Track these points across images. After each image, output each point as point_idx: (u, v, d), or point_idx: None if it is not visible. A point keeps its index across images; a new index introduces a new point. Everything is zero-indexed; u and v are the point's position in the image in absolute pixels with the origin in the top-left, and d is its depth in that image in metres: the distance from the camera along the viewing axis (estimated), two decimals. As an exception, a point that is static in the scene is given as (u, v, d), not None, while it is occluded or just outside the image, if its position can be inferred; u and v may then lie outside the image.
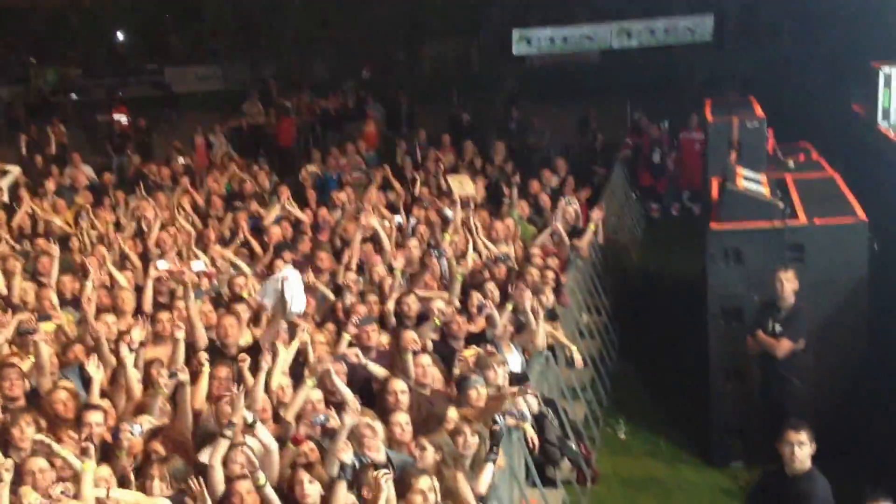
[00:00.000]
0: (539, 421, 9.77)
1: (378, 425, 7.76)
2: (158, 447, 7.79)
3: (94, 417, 7.88)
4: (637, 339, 14.57)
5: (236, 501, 6.94)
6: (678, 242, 17.57)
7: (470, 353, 9.44)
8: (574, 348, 11.16)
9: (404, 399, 8.36)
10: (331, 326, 10.24)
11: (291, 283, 9.13)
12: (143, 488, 7.33)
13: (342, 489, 6.92)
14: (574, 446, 10.71)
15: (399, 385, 8.41)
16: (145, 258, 12.44)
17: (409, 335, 9.43)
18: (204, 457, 7.75)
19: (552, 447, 9.87)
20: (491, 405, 8.53)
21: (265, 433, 7.66)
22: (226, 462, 7.35)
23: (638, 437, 12.37)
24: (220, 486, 7.31)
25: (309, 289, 10.43)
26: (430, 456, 7.69)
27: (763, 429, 10.13)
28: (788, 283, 10.23)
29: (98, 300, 10.39)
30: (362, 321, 9.77)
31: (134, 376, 8.68)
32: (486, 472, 7.87)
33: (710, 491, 11.00)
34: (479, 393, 8.73)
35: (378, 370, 9.08)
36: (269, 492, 7.05)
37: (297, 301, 9.09)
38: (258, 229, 14.12)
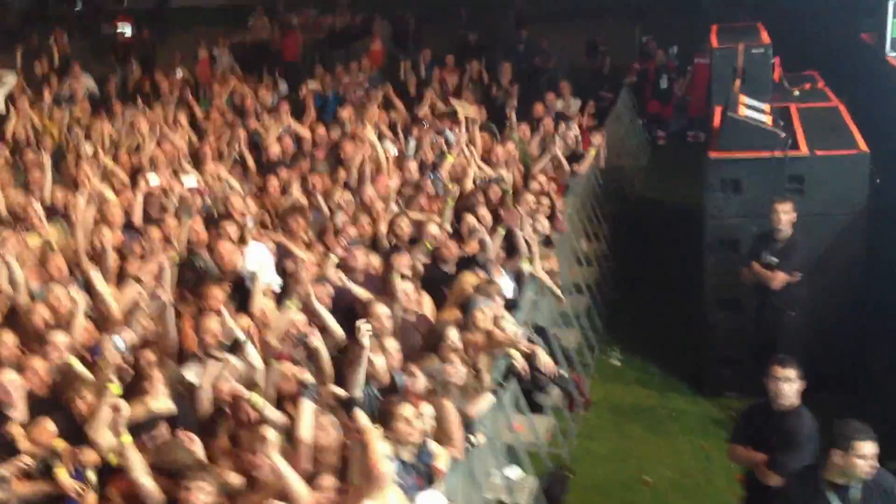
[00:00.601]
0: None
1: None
2: (150, 355, 7.72)
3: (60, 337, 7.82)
4: (636, 267, 14.46)
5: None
6: (684, 170, 17.33)
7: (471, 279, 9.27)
8: (553, 288, 10.97)
9: (388, 324, 8.25)
10: (320, 247, 10.12)
11: (256, 256, 9.05)
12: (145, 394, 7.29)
13: (307, 407, 6.80)
14: (565, 373, 10.65)
15: (382, 309, 8.29)
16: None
17: (403, 259, 9.31)
18: (190, 375, 7.71)
19: (541, 374, 9.77)
20: (499, 338, 8.41)
21: (254, 353, 7.61)
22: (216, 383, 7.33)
23: (631, 366, 12.36)
24: (208, 406, 7.28)
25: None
26: (421, 383, 7.60)
27: (756, 360, 10.01)
28: (786, 214, 10.08)
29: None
30: (351, 243, 9.65)
31: (107, 294, 8.59)
32: (483, 401, 7.80)
33: (701, 421, 10.98)
34: (484, 314, 8.59)
35: (362, 293, 8.96)
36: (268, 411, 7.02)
37: (266, 273, 8.99)
38: (258, 146, 13.95)
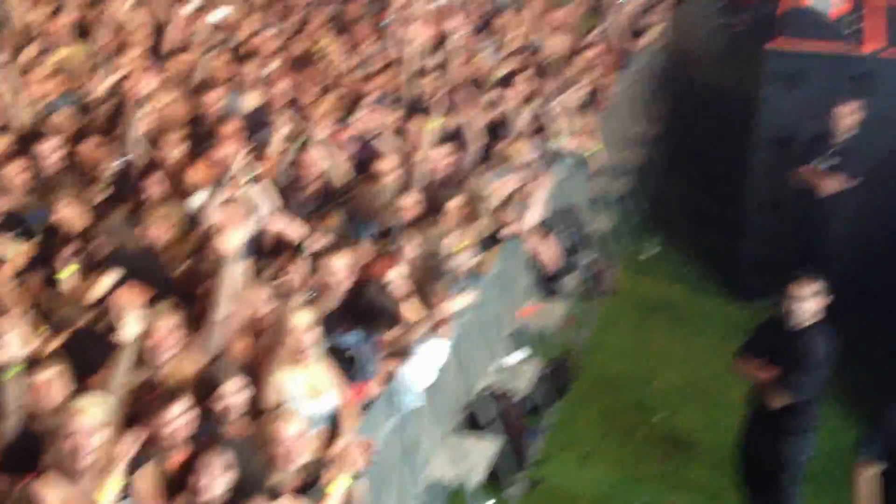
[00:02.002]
0: (548, 228, 9.16)
1: None
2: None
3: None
4: (685, 155, 13.71)
5: None
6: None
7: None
8: (590, 147, 10.36)
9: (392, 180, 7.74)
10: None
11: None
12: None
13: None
14: (588, 259, 10.16)
15: (388, 164, 7.79)
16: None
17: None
18: (196, 201, 7.23)
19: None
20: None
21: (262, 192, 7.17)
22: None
23: (665, 259, 11.85)
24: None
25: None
26: (412, 249, 7.10)
27: (793, 269, 9.44)
28: (846, 116, 9.35)
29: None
30: (378, 101, 9.09)
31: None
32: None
33: (728, 326, 10.40)
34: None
35: (382, 147, 8.39)
36: None
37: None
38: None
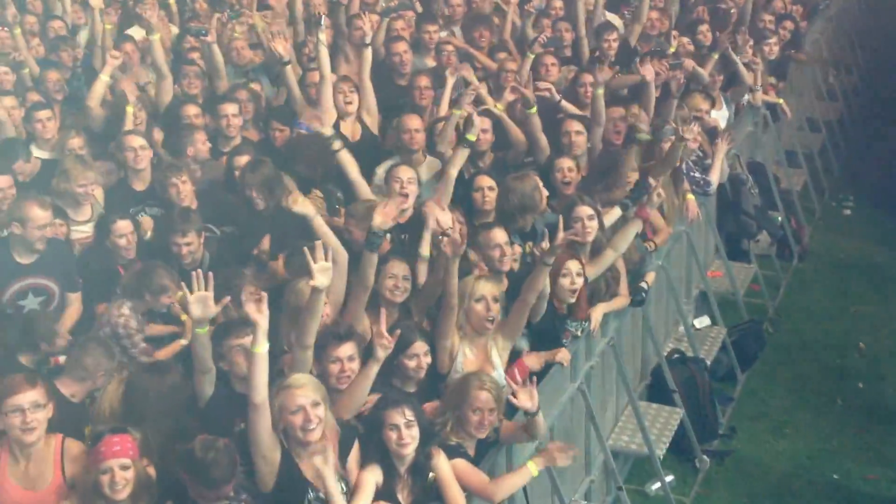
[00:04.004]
0: (735, 186, 8.73)
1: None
2: None
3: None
4: (884, 108, 12.91)
5: None
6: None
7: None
8: (782, 101, 9.79)
9: (579, 140, 7.43)
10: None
11: None
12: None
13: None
14: (780, 218, 9.66)
15: (575, 125, 7.47)
16: None
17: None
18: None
19: (748, 218, 8.85)
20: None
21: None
22: None
23: (864, 217, 11.25)
24: None
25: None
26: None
27: None
28: None
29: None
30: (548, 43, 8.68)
31: None
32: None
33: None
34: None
35: (567, 107, 8.04)
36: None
37: None
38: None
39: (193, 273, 4.66)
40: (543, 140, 7.44)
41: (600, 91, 7.55)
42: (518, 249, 6.24)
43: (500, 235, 6.01)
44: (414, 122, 7.29)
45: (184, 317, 5.97)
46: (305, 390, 4.52)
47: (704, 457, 7.39)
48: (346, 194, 6.99)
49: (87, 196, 6.91)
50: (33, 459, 4.62)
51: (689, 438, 7.31)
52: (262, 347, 4.44)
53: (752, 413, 8.10)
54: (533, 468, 5.09)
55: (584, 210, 6.29)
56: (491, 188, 6.72)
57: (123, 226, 6.41)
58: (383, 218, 5.46)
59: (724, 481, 7.38)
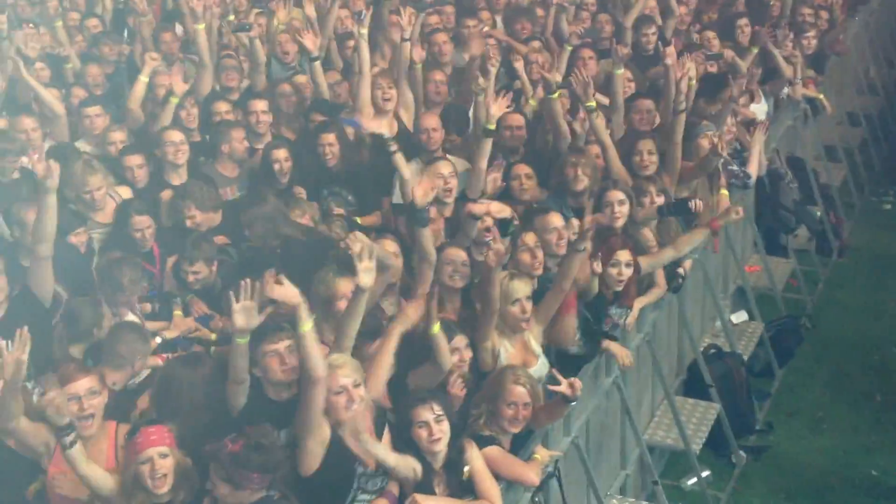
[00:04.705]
0: (773, 181, 8.69)
1: None
2: None
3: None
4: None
5: None
6: None
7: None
8: (821, 96, 9.73)
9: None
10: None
11: None
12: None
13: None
14: (819, 213, 9.60)
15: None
16: None
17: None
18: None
19: (786, 212, 8.81)
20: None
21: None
22: None
23: (906, 212, 11.15)
24: None
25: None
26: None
27: None
28: None
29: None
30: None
31: None
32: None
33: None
34: (710, 140, 7.51)
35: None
36: None
37: None
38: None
39: (242, 282, 4.61)
40: (564, 126, 7.30)
41: (619, 71, 7.51)
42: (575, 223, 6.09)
43: (556, 219, 6.03)
44: (431, 121, 7.25)
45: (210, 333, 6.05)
46: (346, 370, 4.58)
47: (741, 452, 7.37)
48: (357, 197, 7.08)
49: (100, 200, 6.81)
50: (90, 445, 4.66)
51: (725, 434, 7.30)
52: (308, 325, 4.47)
53: (789, 408, 8.08)
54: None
55: (616, 195, 6.30)
56: (528, 176, 6.75)
57: (141, 221, 6.45)
58: (423, 193, 5.53)
59: (760, 477, 7.37)
